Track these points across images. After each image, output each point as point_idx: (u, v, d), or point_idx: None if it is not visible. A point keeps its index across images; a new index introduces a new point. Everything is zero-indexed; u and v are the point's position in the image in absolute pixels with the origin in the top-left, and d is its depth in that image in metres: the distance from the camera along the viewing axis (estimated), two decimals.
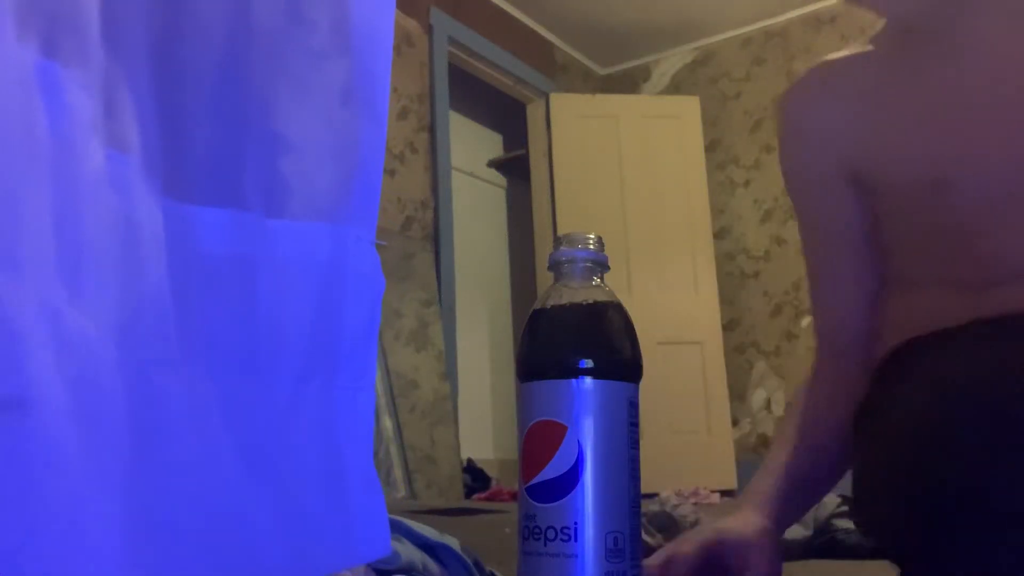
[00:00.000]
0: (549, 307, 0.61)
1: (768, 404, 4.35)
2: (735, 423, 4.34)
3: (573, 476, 0.56)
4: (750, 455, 4.30)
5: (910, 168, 0.83)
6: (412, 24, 3.78)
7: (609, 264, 0.62)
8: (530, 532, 0.57)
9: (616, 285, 0.60)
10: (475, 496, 3.48)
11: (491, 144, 5.47)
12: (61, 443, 0.36)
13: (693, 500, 3.16)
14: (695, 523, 1.58)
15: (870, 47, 0.92)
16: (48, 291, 0.37)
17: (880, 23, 0.93)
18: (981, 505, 0.58)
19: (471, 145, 5.14)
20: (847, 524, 1.45)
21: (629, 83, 5.03)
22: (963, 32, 0.83)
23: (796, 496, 0.85)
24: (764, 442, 4.31)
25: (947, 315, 0.77)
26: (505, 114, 5.12)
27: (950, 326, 0.76)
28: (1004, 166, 0.78)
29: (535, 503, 0.57)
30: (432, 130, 3.83)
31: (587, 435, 0.57)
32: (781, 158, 0.98)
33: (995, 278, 0.77)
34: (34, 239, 0.37)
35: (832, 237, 0.93)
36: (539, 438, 0.58)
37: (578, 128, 4.37)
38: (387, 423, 3.21)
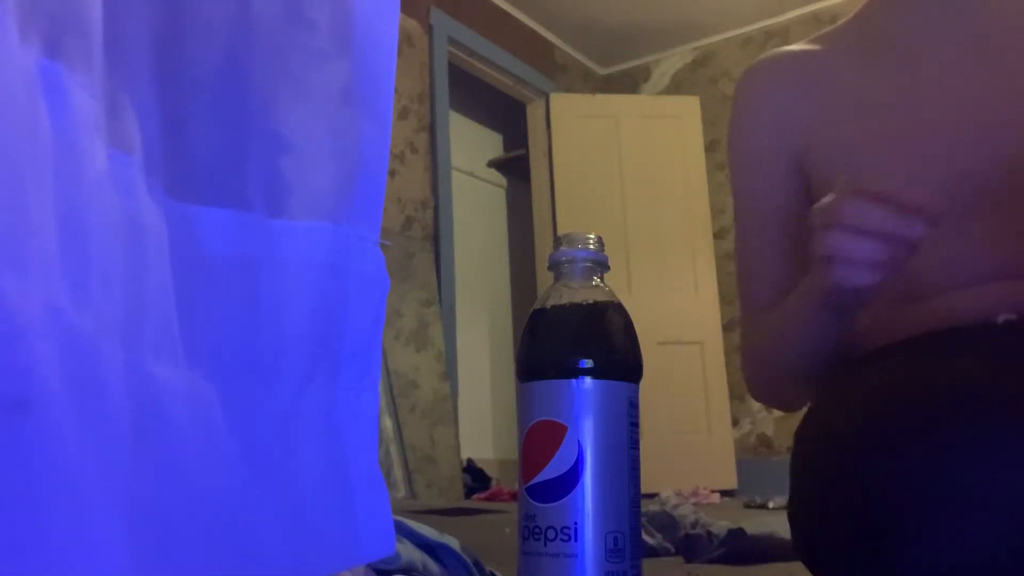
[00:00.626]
0: (549, 307, 0.61)
1: None
2: (735, 423, 4.34)
3: (573, 476, 0.57)
4: (750, 455, 4.30)
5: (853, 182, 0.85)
6: (412, 24, 3.78)
7: (609, 264, 0.62)
8: (530, 532, 0.57)
9: (616, 285, 0.61)
10: (475, 496, 3.49)
11: (491, 144, 5.48)
12: (64, 444, 0.36)
13: (693, 500, 3.16)
14: (695, 523, 1.58)
15: (827, 44, 0.94)
16: (52, 291, 0.37)
17: (847, 18, 0.96)
18: (890, 519, 0.60)
19: (471, 145, 5.14)
20: None
21: (629, 83, 5.03)
22: (921, 42, 0.85)
23: None
24: (764, 442, 4.32)
25: (877, 333, 0.81)
26: (505, 114, 5.12)
27: (880, 346, 0.81)
28: (940, 184, 0.80)
29: (535, 503, 0.58)
30: (432, 130, 3.83)
31: (587, 435, 0.57)
32: (731, 131, 1.00)
33: (920, 293, 0.81)
34: (38, 240, 0.37)
35: (769, 211, 0.96)
36: (539, 438, 0.58)
37: (578, 128, 4.37)
38: (387, 423, 3.21)
